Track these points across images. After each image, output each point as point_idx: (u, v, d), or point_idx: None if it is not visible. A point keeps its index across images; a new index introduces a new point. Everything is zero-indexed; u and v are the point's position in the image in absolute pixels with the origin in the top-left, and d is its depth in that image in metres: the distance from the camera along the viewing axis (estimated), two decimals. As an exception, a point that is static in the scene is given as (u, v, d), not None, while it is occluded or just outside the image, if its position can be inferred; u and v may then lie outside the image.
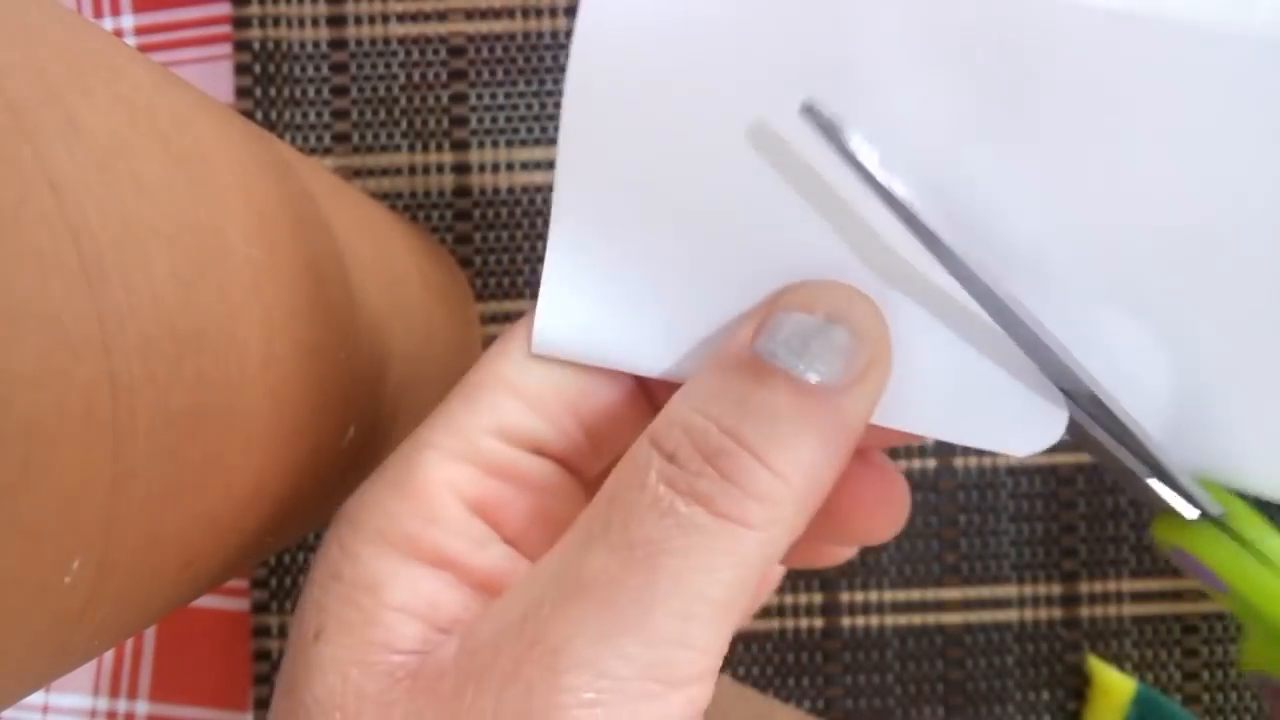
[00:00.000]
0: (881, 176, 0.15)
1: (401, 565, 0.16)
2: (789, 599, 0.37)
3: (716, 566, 0.14)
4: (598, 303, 0.17)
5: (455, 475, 0.16)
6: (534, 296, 0.37)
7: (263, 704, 0.37)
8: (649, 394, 0.18)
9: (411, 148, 0.37)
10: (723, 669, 0.20)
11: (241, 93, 0.37)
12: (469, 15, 0.37)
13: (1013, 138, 0.15)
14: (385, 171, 0.37)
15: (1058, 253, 0.16)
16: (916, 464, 0.37)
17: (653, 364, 0.17)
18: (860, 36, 0.15)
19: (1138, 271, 0.16)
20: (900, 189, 0.15)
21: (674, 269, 0.17)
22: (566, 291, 0.17)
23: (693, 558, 0.14)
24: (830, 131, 0.15)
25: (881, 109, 0.15)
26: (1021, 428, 0.16)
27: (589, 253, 0.17)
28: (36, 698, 0.37)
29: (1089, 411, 0.16)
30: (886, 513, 0.19)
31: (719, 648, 0.15)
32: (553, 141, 0.37)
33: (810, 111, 0.15)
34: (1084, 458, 0.37)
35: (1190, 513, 0.17)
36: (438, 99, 0.37)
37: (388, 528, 0.16)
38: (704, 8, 0.15)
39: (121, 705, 0.37)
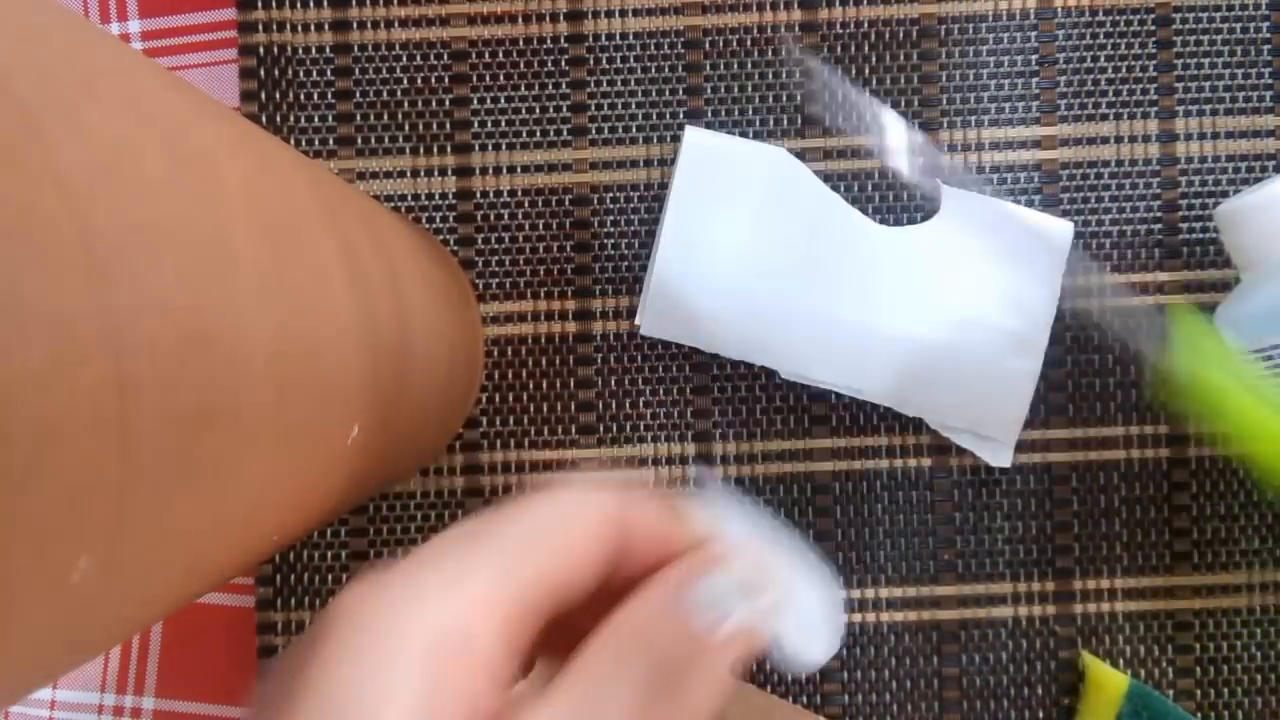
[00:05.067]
0: None
1: (425, 695, 0.16)
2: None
3: None
4: (684, 303, 0.33)
5: (509, 631, 0.17)
6: (534, 297, 0.37)
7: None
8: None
9: (414, 151, 0.37)
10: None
11: (247, 96, 0.37)
12: (470, 20, 0.37)
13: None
14: (389, 174, 0.37)
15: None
16: (912, 462, 0.37)
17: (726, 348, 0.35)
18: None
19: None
20: None
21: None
22: (664, 294, 0.33)
23: None
24: None
25: None
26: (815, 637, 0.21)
27: (680, 276, 0.34)
28: (44, 693, 0.38)
29: None
30: None
31: None
32: (553, 144, 0.37)
33: None
34: (1077, 455, 0.37)
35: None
36: (440, 103, 0.37)
37: (436, 646, 0.16)
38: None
39: (128, 700, 0.38)
